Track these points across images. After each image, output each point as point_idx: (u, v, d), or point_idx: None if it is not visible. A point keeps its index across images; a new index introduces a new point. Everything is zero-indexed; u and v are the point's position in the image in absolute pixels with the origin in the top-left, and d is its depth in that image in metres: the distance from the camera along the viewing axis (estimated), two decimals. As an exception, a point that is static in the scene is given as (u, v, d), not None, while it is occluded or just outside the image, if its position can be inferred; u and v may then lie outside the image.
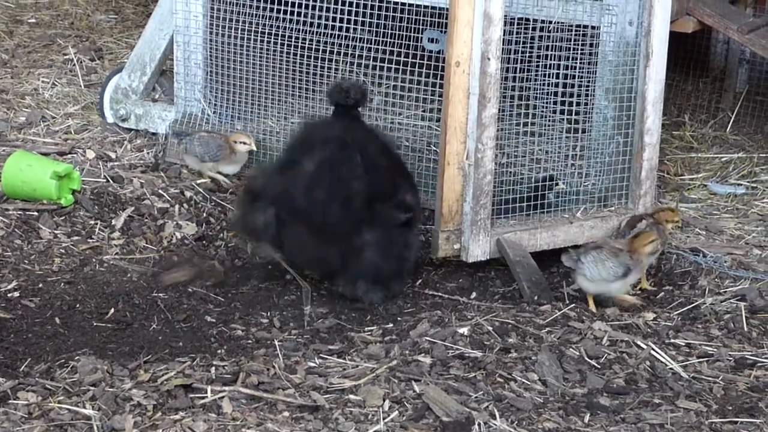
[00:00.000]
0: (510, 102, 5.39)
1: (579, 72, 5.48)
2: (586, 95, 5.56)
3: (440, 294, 5.19)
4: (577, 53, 5.45)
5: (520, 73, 5.34)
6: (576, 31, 5.45)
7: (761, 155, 6.63)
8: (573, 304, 4.94)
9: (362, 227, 5.16)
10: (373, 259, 5.16)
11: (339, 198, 5.16)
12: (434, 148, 5.84)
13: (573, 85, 5.52)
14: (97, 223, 5.56)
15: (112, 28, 8.32)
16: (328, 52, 6.08)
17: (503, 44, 5.06)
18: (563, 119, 5.65)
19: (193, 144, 5.97)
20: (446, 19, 5.17)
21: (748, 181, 6.33)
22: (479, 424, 3.95)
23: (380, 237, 5.17)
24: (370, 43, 5.93)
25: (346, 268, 5.18)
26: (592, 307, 4.96)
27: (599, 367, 4.44)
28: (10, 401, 4.05)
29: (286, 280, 5.28)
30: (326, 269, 5.24)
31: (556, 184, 5.44)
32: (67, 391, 4.12)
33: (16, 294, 4.98)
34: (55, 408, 3.99)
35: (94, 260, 5.29)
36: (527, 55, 5.33)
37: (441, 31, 5.89)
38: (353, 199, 5.16)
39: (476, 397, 4.16)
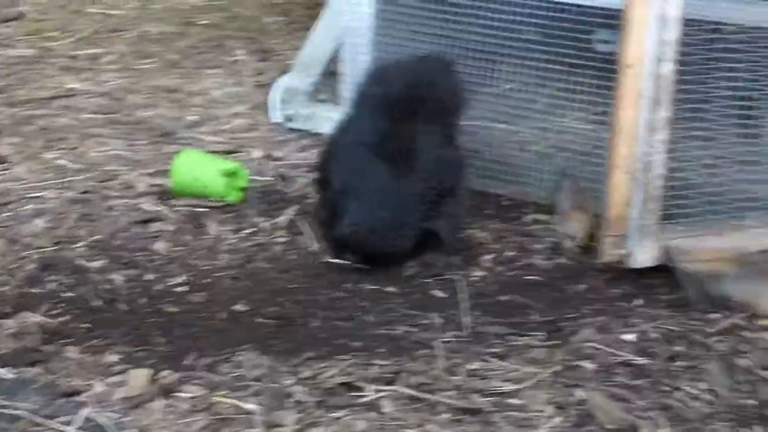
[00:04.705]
0: (681, 105, 5.25)
1: (755, 75, 5.32)
2: (759, 99, 5.40)
3: (604, 299, 5.08)
4: (753, 56, 5.29)
5: (692, 75, 5.21)
6: (753, 33, 5.29)
7: None
8: (742, 313, 4.79)
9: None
10: None
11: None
12: (600, 152, 5.73)
13: (748, 89, 5.36)
14: (262, 221, 5.63)
15: (280, 29, 8.42)
16: (492, 53, 6.03)
17: (677, 46, 4.94)
18: (736, 123, 5.48)
19: None
20: (613, 19, 5.08)
21: None
22: (644, 433, 3.86)
23: None
24: (536, 44, 5.86)
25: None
26: None
27: (771, 378, 4.30)
28: (174, 393, 4.11)
29: (441, 279, 5.18)
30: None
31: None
32: (230, 386, 4.17)
33: (184, 289, 5.07)
34: (219, 402, 4.04)
35: (258, 257, 5.35)
36: (701, 57, 5.19)
37: (611, 32, 5.77)
38: None
39: (641, 405, 4.06)
